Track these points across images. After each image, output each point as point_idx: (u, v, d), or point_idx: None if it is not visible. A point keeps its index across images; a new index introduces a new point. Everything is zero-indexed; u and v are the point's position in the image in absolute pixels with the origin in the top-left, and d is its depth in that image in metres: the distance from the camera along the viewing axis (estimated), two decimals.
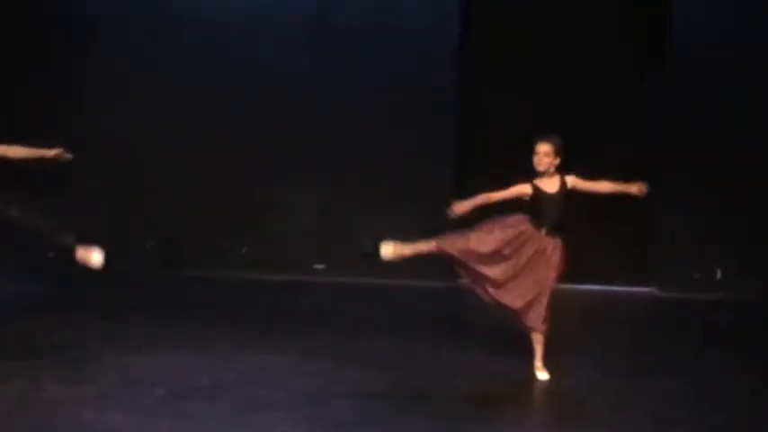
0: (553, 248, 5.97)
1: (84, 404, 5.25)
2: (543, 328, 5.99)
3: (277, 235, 9.76)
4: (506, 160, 9.53)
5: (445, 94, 9.51)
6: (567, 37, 9.64)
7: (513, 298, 5.95)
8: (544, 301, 5.95)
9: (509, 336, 7.34)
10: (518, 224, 5.97)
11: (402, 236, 6.13)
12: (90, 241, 9.36)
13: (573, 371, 6.25)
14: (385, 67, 9.59)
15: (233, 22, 9.82)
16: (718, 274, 9.33)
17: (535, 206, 5.96)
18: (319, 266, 9.68)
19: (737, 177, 9.20)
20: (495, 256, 5.92)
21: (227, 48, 9.81)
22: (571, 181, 6.02)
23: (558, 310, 8.85)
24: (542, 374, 6.00)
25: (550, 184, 5.98)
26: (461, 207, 5.99)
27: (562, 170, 6.02)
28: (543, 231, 5.97)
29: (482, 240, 5.93)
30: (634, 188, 6.17)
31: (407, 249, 6.05)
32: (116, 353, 6.38)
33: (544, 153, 5.95)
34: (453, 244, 5.97)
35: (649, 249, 9.55)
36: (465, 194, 9.45)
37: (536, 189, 5.96)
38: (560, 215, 5.99)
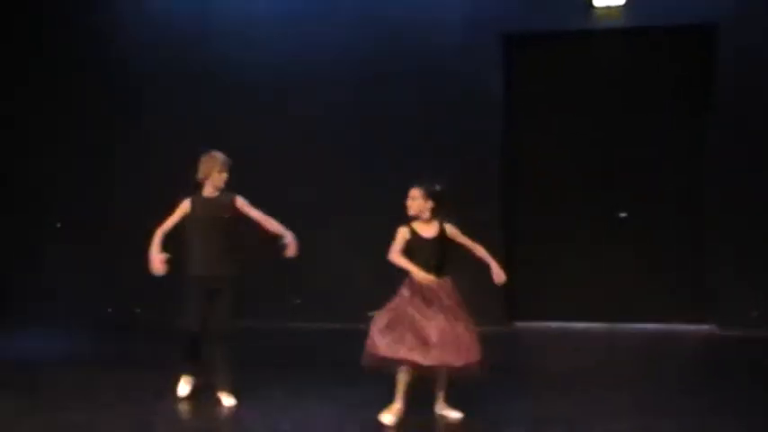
0: (443, 288, 5.94)
1: None
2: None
3: (329, 283, 9.88)
4: (551, 200, 9.71)
5: (490, 138, 9.62)
6: (610, 77, 9.69)
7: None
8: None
9: (560, 379, 7.35)
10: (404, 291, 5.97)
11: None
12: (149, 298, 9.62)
13: (626, 412, 6.21)
14: (430, 111, 9.72)
15: (283, 65, 10.05)
16: None
17: (411, 250, 5.96)
18: (372, 314, 9.74)
19: None
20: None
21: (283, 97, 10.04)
22: (449, 229, 6.03)
23: (612, 349, 8.87)
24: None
25: (427, 230, 6.00)
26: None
27: (442, 216, 6.03)
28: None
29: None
30: (494, 269, 6.13)
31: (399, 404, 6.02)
32: (172, 405, 6.52)
33: (412, 197, 6.04)
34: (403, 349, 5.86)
35: (707, 286, 9.44)
36: (511, 234, 9.64)
37: (413, 233, 5.99)
38: (438, 259, 5.98)
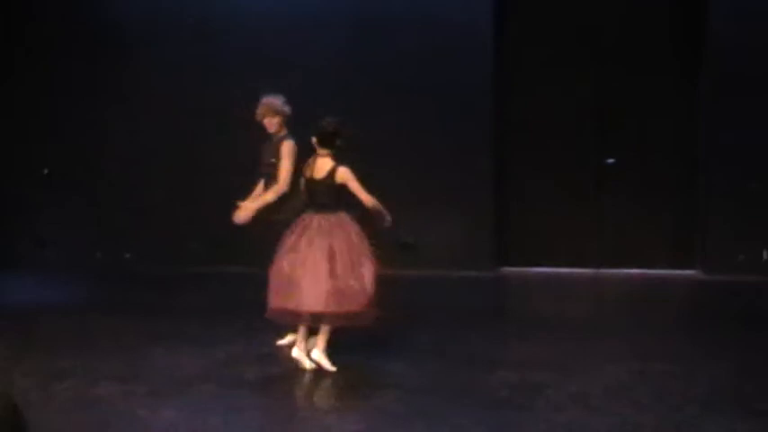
0: (338, 224, 5.97)
1: (136, 401, 5.41)
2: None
3: None
4: (543, 153, 9.68)
5: (480, 83, 9.49)
6: (601, 26, 9.57)
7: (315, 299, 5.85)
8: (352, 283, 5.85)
9: (548, 323, 7.40)
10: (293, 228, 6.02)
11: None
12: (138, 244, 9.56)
13: (616, 356, 6.26)
14: (420, 54, 9.56)
15: (267, 21, 9.87)
16: (765, 255, 9.22)
17: (305, 186, 6.07)
18: None
19: None
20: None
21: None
22: (342, 174, 5.96)
23: (599, 294, 8.95)
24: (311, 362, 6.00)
25: (319, 169, 6.01)
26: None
27: (340, 157, 6.03)
28: (312, 212, 6.01)
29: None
30: (382, 217, 6.06)
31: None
32: (165, 350, 6.54)
33: None
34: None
35: (693, 232, 9.48)
36: (500, 180, 9.61)
37: (308, 168, 6.06)
38: (327, 197, 5.98)
